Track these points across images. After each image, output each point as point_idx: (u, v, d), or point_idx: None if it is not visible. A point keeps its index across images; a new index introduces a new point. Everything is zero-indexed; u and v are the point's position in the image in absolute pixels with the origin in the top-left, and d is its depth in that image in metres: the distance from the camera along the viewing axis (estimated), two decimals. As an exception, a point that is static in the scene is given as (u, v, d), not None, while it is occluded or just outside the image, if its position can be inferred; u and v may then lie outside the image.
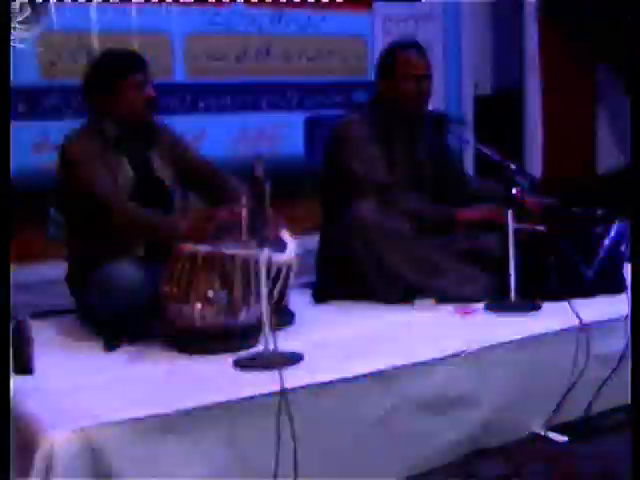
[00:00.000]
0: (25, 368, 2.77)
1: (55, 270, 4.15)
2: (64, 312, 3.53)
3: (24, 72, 4.18)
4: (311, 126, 5.01)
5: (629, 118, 5.30)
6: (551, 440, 3.02)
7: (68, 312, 3.49)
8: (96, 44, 4.33)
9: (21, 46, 4.15)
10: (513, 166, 3.36)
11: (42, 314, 3.52)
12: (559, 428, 3.07)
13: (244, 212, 2.81)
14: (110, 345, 3.04)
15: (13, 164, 3.89)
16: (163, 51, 4.51)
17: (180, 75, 4.62)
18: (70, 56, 4.29)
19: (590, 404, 3.16)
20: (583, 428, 3.09)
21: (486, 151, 3.46)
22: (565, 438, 3.02)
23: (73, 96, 4.21)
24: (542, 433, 3.05)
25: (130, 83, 3.27)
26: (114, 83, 3.28)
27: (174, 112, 4.51)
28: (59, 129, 4.12)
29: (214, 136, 4.66)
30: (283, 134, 4.95)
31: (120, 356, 2.97)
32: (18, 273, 3.89)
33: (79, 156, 3.21)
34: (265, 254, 2.74)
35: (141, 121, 3.32)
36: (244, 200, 2.82)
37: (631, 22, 4.44)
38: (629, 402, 3.20)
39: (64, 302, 3.70)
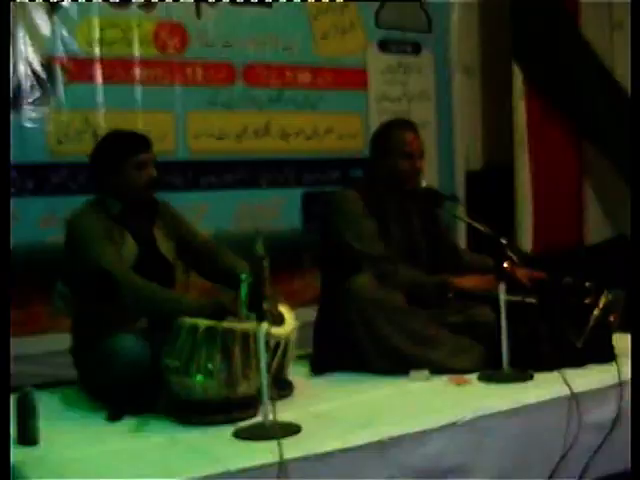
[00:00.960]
0: (30, 439, 2.82)
1: (60, 342, 4.27)
2: (68, 383, 3.59)
3: (33, 150, 4.32)
4: (309, 201, 5.12)
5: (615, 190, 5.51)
6: (546, 509, 3.08)
7: (71, 383, 3.54)
8: (102, 122, 4.47)
9: (31, 125, 4.29)
10: (504, 240, 3.47)
11: (46, 385, 3.59)
12: (554, 497, 3.13)
13: (244, 287, 2.90)
14: (113, 416, 3.10)
15: (22, 237, 4.08)
16: (166, 128, 4.64)
17: (182, 152, 4.75)
18: (77, 134, 4.43)
19: (584, 471, 3.21)
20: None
21: (478, 226, 3.57)
22: (561, 507, 3.08)
23: (79, 172, 4.37)
24: (537, 502, 3.11)
25: (131, 163, 3.40)
26: (116, 163, 3.41)
27: (176, 188, 4.64)
28: (66, 204, 4.31)
29: (215, 212, 4.77)
30: (282, 209, 5.05)
31: (123, 427, 3.02)
32: (24, 344, 4.02)
33: (85, 231, 3.33)
34: (264, 328, 2.83)
35: (142, 199, 3.45)
36: (244, 276, 2.91)
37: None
38: (622, 469, 3.31)
39: (68, 373, 3.80)
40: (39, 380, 3.61)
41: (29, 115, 4.30)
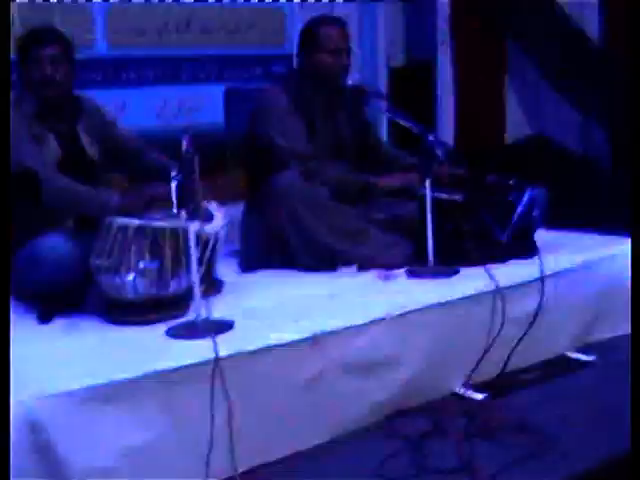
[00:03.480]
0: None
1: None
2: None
3: None
4: (231, 97, 5.06)
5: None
6: (470, 398, 3.19)
7: None
8: (16, 16, 4.31)
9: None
10: (431, 137, 3.50)
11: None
12: (477, 387, 3.23)
13: (173, 185, 2.87)
14: (43, 317, 3.09)
15: None
16: (85, 24, 4.51)
17: (102, 48, 4.63)
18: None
19: (506, 363, 3.32)
20: (499, 386, 3.25)
21: (406, 122, 3.58)
22: (483, 395, 3.19)
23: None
24: (461, 392, 3.21)
25: (31, 59, 3.31)
26: (20, 59, 3.34)
27: (96, 85, 4.53)
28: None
29: (135, 108, 4.69)
30: (203, 105, 4.99)
31: (53, 328, 3.01)
32: None
33: None
34: (195, 225, 2.83)
35: (55, 96, 3.35)
36: (173, 173, 2.88)
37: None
38: (542, 360, 3.44)
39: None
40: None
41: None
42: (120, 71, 4.72)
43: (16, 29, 4.23)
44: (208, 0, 4.95)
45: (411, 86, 5.36)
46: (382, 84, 5.50)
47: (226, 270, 3.56)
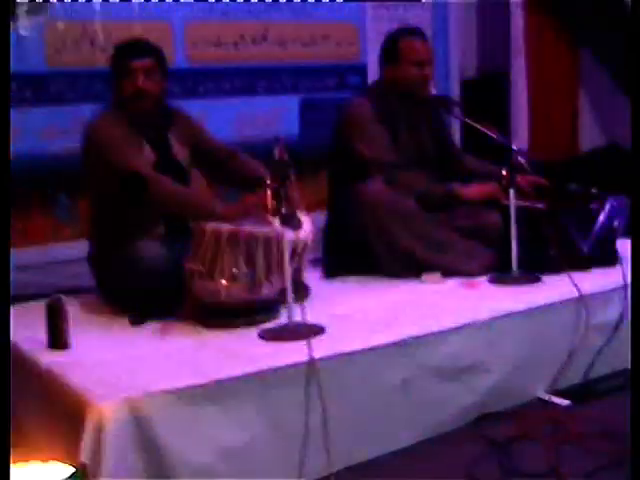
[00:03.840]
0: (62, 343, 2.89)
1: (59, 253, 4.31)
2: (68, 292, 3.61)
3: (31, 60, 4.30)
4: (305, 108, 5.15)
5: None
6: (554, 404, 3.22)
7: (73, 291, 3.53)
8: (100, 32, 4.45)
9: (28, 35, 4.26)
10: (515, 147, 3.55)
11: (43, 295, 3.58)
12: (561, 392, 3.27)
13: (269, 192, 2.94)
14: (136, 320, 3.18)
15: (22, 149, 4.08)
16: (164, 39, 4.62)
17: (181, 61, 4.74)
18: (74, 44, 4.41)
19: (588, 370, 3.36)
20: (583, 392, 3.29)
21: (489, 132, 3.63)
22: (567, 402, 3.22)
23: (77, 82, 4.38)
24: (546, 398, 3.25)
25: (122, 71, 3.40)
26: (113, 71, 3.44)
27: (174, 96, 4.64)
28: (65, 114, 4.31)
29: (213, 119, 4.78)
30: (279, 116, 5.08)
31: (147, 331, 3.10)
32: (23, 255, 4.05)
33: (108, 136, 3.34)
34: (290, 233, 2.91)
35: (140, 106, 3.43)
36: (269, 181, 2.95)
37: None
38: (624, 367, 3.45)
39: (68, 282, 3.84)
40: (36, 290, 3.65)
41: (26, 25, 4.27)
42: (198, 83, 4.82)
43: (99, 44, 4.41)
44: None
45: (484, 98, 5.39)
46: (455, 96, 5.53)
47: (310, 277, 3.61)
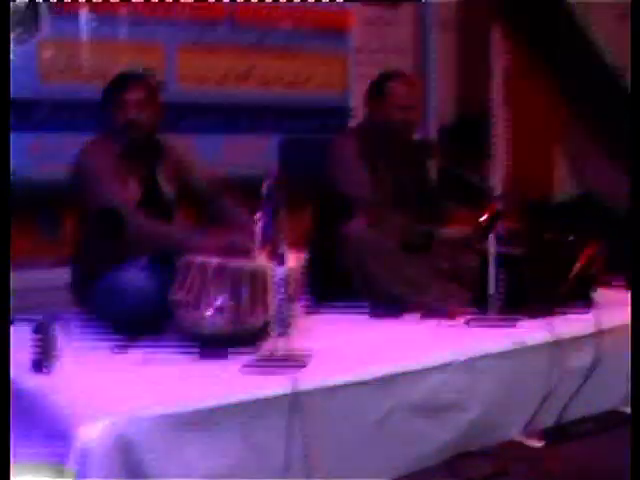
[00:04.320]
0: (47, 367, 2.90)
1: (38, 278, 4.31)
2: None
3: (19, 85, 4.33)
4: (286, 148, 5.21)
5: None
6: (528, 445, 3.28)
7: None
8: (89, 57, 4.51)
9: (17, 59, 4.30)
10: (497, 193, 3.64)
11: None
12: (535, 434, 3.32)
13: (257, 226, 2.99)
14: (120, 347, 3.20)
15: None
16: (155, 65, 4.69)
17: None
18: (64, 68, 4.46)
19: (562, 412, 3.42)
20: (557, 434, 3.35)
21: (472, 178, 3.73)
22: (541, 443, 3.28)
23: (66, 108, 4.42)
24: (520, 439, 3.31)
25: (114, 103, 3.47)
26: (103, 101, 3.51)
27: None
28: (53, 139, 4.34)
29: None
30: (259, 155, 5.14)
31: (132, 358, 3.11)
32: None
33: (94, 167, 3.40)
34: (281, 268, 2.96)
35: (139, 139, 3.49)
36: (256, 217, 3.00)
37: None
38: (598, 411, 3.53)
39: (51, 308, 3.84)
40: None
41: (15, 49, 4.30)
42: (180, 117, 4.87)
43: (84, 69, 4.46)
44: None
45: (462, 143, 5.49)
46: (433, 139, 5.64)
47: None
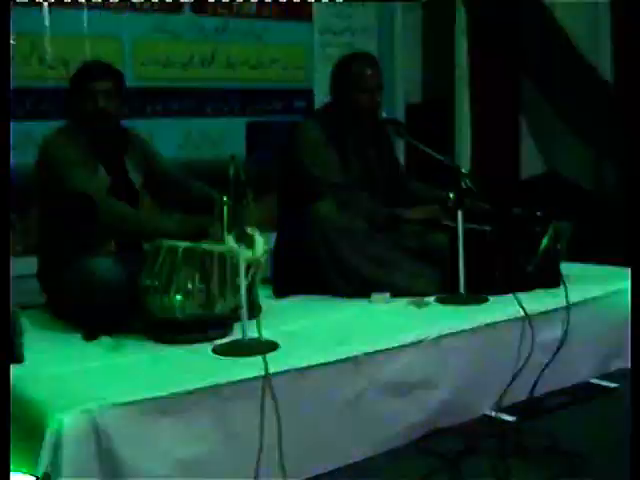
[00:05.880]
0: (17, 357, 2.88)
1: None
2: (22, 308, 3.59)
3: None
4: (252, 130, 5.20)
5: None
6: (500, 420, 3.30)
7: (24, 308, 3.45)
8: (48, 48, 4.46)
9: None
10: (464, 170, 3.65)
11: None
12: (507, 409, 3.35)
13: (225, 209, 2.98)
14: (89, 335, 3.19)
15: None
16: (114, 56, 4.64)
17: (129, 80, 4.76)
18: (22, 59, 4.41)
19: (533, 387, 3.45)
20: (528, 409, 3.37)
21: (439, 156, 3.73)
22: (513, 418, 3.30)
23: (25, 98, 4.38)
24: (492, 414, 3.33)
25: (82, 93, 3.46)
26: (71, 92, 3.49)
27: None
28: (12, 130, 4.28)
29: (160, 140, 4.80)
30: (225, 138, 5.12)
31: (101, 346, 3.10)
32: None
33: (61, 155, 3.38)
34: (245, 251, 2.96)
35: (106, 129, 3.49)
36: (224, 198, 2.99)
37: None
38: (569, 384, 3.56)
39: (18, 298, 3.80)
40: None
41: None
42: (146, 102, 4.85)
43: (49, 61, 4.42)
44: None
45: (427, 122, 5.50)
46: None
47: (259, 295, 3.65)
